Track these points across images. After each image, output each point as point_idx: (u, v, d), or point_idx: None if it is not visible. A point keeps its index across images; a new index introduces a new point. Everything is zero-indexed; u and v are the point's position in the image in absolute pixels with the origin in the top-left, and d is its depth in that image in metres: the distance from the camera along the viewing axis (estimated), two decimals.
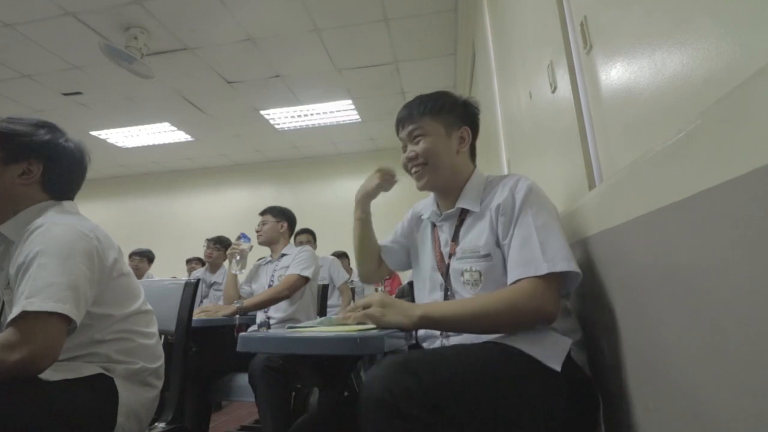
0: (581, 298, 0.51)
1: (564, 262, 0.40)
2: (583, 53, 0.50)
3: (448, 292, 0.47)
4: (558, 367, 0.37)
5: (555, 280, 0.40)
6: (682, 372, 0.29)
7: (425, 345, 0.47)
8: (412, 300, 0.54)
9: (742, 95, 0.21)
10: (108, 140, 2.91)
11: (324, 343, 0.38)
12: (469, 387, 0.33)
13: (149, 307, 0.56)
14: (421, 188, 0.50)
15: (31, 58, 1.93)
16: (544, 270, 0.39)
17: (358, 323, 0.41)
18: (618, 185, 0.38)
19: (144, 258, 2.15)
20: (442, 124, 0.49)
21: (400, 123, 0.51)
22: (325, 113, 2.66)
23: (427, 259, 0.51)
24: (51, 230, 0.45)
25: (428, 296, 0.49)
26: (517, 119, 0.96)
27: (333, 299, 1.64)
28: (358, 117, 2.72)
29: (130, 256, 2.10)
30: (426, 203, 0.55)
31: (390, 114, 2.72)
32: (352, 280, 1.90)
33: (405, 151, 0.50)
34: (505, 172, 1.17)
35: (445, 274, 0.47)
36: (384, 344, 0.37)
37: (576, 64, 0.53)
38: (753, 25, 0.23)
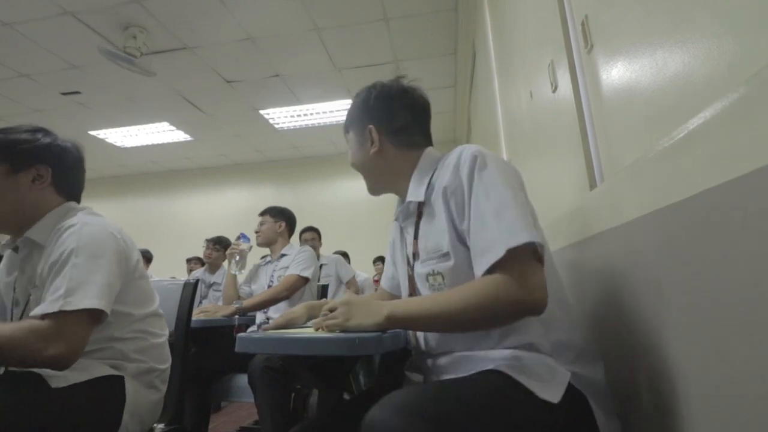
0: (581, 298, 0.50)
1: (522, 233, 0.33)
2: (584, 53, 0.50)
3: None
4: (555, 399, 0.32)
5: (527, 256, 0.33)
6: (682, 372, 0.29)
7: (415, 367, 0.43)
8: None
9: (744, 95, 0.21)
10: (107, 140, 2.90)
11: (322, 343, 0.38)
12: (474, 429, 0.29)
13: (161, 311, 0.58)
14: (371, 194, 0.49)
15: (30, 57, 1.92)
16: (502, 251, 0.33)
17: (330, 331, 0.38)
18: (619, 185, 0.38)
19: (143, 258, 2.13)
20: (353, 132, 0.48)
21: None
22: (324, 113, 2.65)
23: (400, 264, 0.48)
24: (83, 230, 0.47)
25: None
26: (517, 119, 0.96)
27: (340, 295, 1.65)
28: None
29: None
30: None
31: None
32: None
33: None
34: None
35: (411, 278, 0.43)
36: (382, 345, 0.37)
37: (577, 63, 0.53)
38: (754, 25, 0.23)
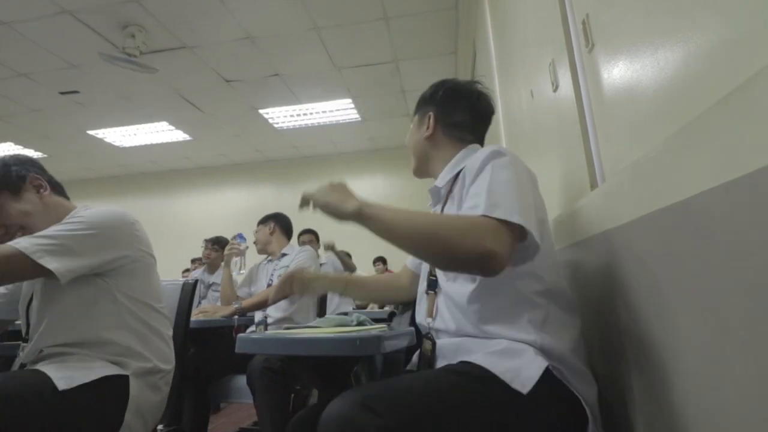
0: (582, 298, 0.50)
1: (509, 211, 0.34)
2: (584, 52, 0.50)
3: (431, 277, 0.44)
4: (524, 390, 0.32)
5: (505, 227, 0.34)
6: (684, 372, 0.29)
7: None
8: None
9: (745, 94, 0.21)
10: (105, 139, 2.90)
11: (322, 344, 0.38)
12: (435, 426, 0.30)
13: (167, 312, 0.59)
14: (415, 175, 0.53)
15: (28, 56, 1.92)
16: (480, 211, 0.34)
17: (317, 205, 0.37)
18: (620, 185, 0.38)
19: None
20: (418, 116, 0.53)
21: None
22: (324, 112, 2.65)
23: None
24: (100, 209, 0.52)
25: (421, 287, 0.48)
26: (518, 118, 0.96)
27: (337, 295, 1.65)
28: (357, 116, 2.71)
29: None
30: None
31: (390, 113, 2.71)
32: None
33: None
34: None
35: None
36: (383, 345, 0.37)
37: (578, 62, 0.53)
38: (755, 24, 0.23)
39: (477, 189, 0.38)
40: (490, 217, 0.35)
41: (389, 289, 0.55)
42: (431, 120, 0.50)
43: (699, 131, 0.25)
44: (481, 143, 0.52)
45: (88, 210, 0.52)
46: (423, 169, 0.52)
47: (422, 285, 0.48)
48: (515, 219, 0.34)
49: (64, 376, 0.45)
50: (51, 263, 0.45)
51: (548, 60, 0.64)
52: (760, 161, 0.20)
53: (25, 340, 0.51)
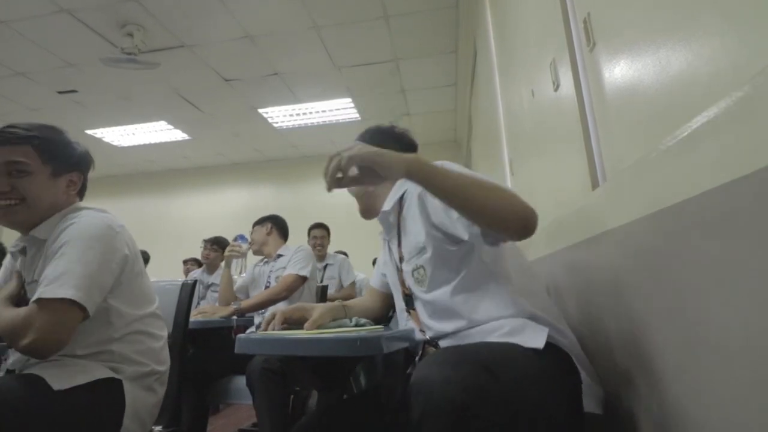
0: (583, 298, 0.50)
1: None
2: (586, 51, 0.50)
3: (406, 296, 0.47)
4: (540, 345, 0.37)
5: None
6: (686, 372, 0.29)
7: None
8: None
9: (748, 94, 0.21)
10: (104, 139, 2.88)
11: (322, 344, 0.38)
12: (533, 390, 0.32)
13: (160, 312, 0.58)
14: (364, 218, 0.54)
15: (26, 55, 1.90)
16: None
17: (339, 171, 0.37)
18: (621, 185, 0.38)
19: None
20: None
21: None
22: (324, 112, 2.64)
23: (390, 274, 0.52)
24: (80, 222, 0.49)
25: (398, 300, 0.49)
26: (519, 118, 0.96)
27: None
28: (357, 115, 2.70)
29: None
30: None
31: (390, 112, 2.70)
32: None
33: None
34: (507, 171, 1.16)
35: (402, 280, 0.48)
36: (383, 345, 0.37)
37: (579, 61, 0.53)
38: (758, 23, 0.23)
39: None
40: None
41: (365, 312, 0.56)
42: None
43: (700, 131, 0.25)
44: None
45: (71, 228, 0.47)
46: (371, 210, 0.53)
47: (399, 304, 0.50)
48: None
49: (60, 377, 0.44)
50: (91, 304, 0.45)
51: (549, 59, 0.63)
52: (762, 161, 0.20)
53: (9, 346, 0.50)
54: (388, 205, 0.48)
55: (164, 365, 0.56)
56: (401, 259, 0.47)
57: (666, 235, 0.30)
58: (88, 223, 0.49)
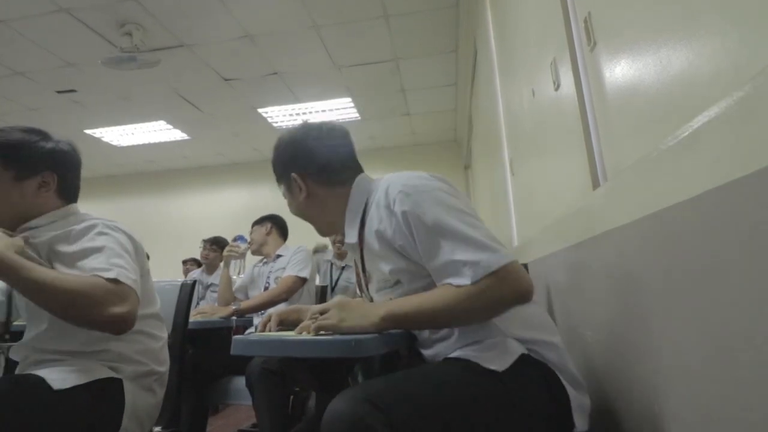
0: (584, 299, 0.50)
1: (495, 255, 0.36)
2: (586, 50, 0.50)
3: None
4: (500, 368, 0.36)
5: (509, 267, 0.36)
6: (687, 373, 0.28)
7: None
8: None
9: (749, 93, 0.21)
10: (103, 139, 2.88)
11: (319, 345, 0.38)
12: (435, 418, 0.32)
13: (161, 313, 0.58)
14: (322, 235, 0.52)
15: (25, 55, 1.90)
16: (468, 277, 0.35)
17: (317, 333, 0.38)
18: (622, 185, 0.38)
19: None
20: (284, 186, 0.50)
21: None
22: (324, 111, 2.64)
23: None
24: (104, 222, 0.50)
25: None
26: (519, 118, 0.95)
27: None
28: (357, 115, 2.70)
29: None
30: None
31: (390, 112, 2.70)
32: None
33: None
34: (507, 171, 1.15)
35: (371, 300, 0.46)
36: (380, 346, 0.36)
37: (579, 61, 0.53)
38: (759, 22, 0.23)
39: (434, 249, 0.38)
40: (483, 276, 0.35)
41: None
42: (298, 180, 0.47)
43: (701, 130, 0.25)
44: (360, 170, 0.49)
45: (100, 232, 0.48)
46: (325, 228, 0.50)
47: None
48: (507, 259, 0.36)
49: (59, 377, 0.44)
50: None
51: (550, 59, 0.63)
52: (763, 160, 0.19)
53: (4, 339, 0.50)
54: (349, 236, 0.45)
55: (164, 366, 0.56)
56: (368, 285, 0.46)
57: (667, 236, 0.29)
58: (109, 224, 0.50)
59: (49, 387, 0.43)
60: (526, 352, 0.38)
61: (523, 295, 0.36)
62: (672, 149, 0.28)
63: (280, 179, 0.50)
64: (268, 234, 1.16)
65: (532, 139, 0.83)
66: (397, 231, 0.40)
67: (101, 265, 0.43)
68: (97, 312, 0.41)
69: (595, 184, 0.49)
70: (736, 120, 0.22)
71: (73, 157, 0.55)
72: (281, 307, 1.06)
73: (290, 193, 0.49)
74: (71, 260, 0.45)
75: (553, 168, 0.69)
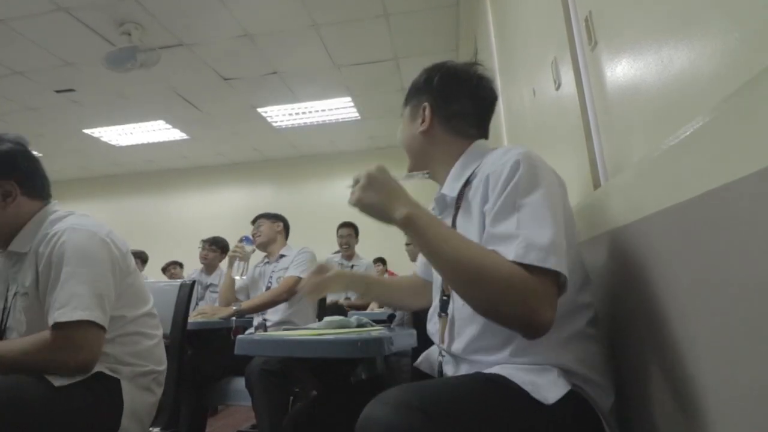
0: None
1: (550, 258, 0.30)
2: (587, 49, 0.50)
3: (444, 297, 0.40)
4: (546, 402, 0.31)
5: (548, 278, 0.30)
6: (689, 372, 0.28)
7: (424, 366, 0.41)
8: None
9: (751, 92, 0.21)
10: (101, 138, 2.87)
11: (323, 345, 0.38)
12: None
13: (155, 311, 0.57)
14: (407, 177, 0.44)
15: (23, 54, 1.89)
16: (513, 251, 0.30)
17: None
18: (624, 184, 0.37)
19: (138, 259, 2.12)
20: (410, 107, 0.45)
21: None
22: (323, 111, 2.62)
23: None
24: (73, 238, 0.47)
25: (435, 296, 0.43)
26: (520, 117, 0.95)
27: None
28: (357, 115, 2.69)
29: None
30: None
31: (390, 111, 2.69)
32: None
33: None
34: None
35: None
36: (384, 347, 0.36)
37: (580, 60, 0.52)
38: (761, 21, 0.23)
39: (507, 214, 0.32)
40: (530, 268, 0.29)
41: (412, 295, 0.49)
42: (427, 111, 0.42)
43: (704, 129, 0.25)
44: (486, 136, 0.45)
45: (62, 245, 0.45)
46: (418, 170, 0.44)
47: (435, 300, 0.43)
48: (559, 268, 0.30)
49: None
50: (105, 321, 0.45)
51: (550, 58, 0.63)
52: (764, 160, 0.19)
53: None
54: (450, 189, 0.40)
55: (161, 365, 0.55)
56: None
57: (669, 235, 0.29)
58: (78, 240, 0.47)
59: (49, 384, 0.43)
60: (571, 387, 0.32)
61: (533, 322, 0.29)
62: (673, 149, 0.28)
63: (409, 99, 0.45)
64: (279, 232, 1.15)
65: (533, 138, 0.83)
66: (493, 190, 0.34)
67: (51, 316, 0.43)
68: (54, 368, 0.43)
69: (596, 184, 0.49)
70: (738, 119, 0.22)
71: (23, 153, 0.51)
72: (284, 307, 1.03)
73: (410, 118, 0.44)
74: (47, 290, 0.45)
75: (554, 167, 0.69)
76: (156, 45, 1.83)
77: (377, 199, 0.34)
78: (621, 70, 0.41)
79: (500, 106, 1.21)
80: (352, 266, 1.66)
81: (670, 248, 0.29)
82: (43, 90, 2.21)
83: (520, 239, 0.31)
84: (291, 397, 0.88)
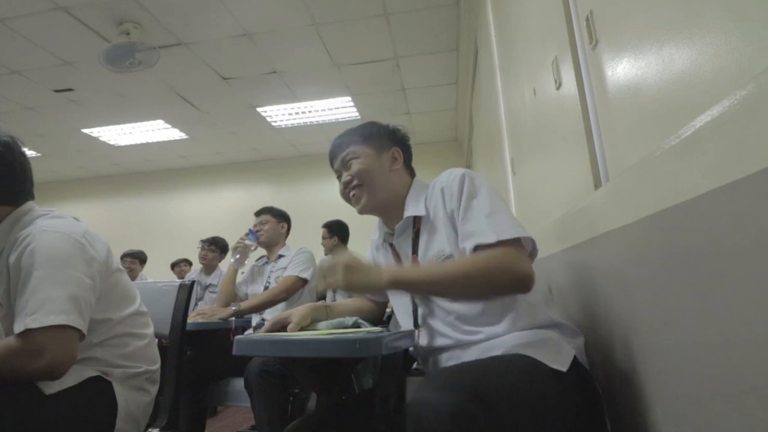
0: (586, 299, 0.50)
1: (511, 230, 0.40)
2: (588, 49, 0.49)
3: (416, 310, 0.46)
4: (564, 368, 0.37)
5: (516, 246, 0.40)
6: (689, 374, 0.28)
7: (430, 361, 0.46)
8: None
9: (752, 92, 0.20)
10: (100, 138, 2.86)
11: (322, 345, 0.38)
12: (528, 415, 0.32)
13: (145, 308, 0.56)
14: (361, 210, 0.51)
15: (21, 53, 1.88)
16: (493, 239, 0.39)
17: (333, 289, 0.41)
18: (625, 184, 0.37)
19: (136, 259, 2.13)
20: (372, 147, 0.52)
21: (332, 155, 0.54)
22: (323, 110, 2.63)
23: None
24: (42, 240, 0.45)
25: (405, 317, 0.49)
26: (520, 117, 0.95)
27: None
28: (357, 114, 2.70)
29: (122, 257, 2.08)
30: (377, 232, 0.55)
31: (390, 111, 2.70)
32: None
33: (341, 181, 0.52)
34: (509, 171, 1.16)
35: None
36: (383, 347, 0.36)
37: (581, 59, 0.52)
38: (763, 20, 0.22)
39: (470, 213, 0.42)
40: (506, 242, 0.39)
41: (360, 312, 0.55)
42: (400, 155, 0.53)
43: (706, 129, 0.24)
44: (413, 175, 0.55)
45: (31, 248, 0.43)
46: (382, 203, 0.51)
47: (406, 322, 0.48)
48: (523, 234, 0.40)
49: (50, 382, 0.44)
50: (82, 324, 0.43)
51: (551, 57, 0.63)
52: (767, 160, 0.19)
53: None
54: (414, 210, 0.48)
55: (154, 364, 0.54)
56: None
57: (670, 236, 0.29)
58: (48, 242, 0.45)
59: (40, 392, 0.43)
60: (574, 351, 0.39)
61: (526, 279, 0.38)
62: (675, 148, 0.28)
63: (371, 139, 0.52)
64: (282, 233, 1.14)
65: (534, 138, 0.83)
66: (452, 197, 0.44)
67: (18, 323, 0.41)
68: (22, 373, 0.42)
69: (597, 184, 0.49)
70: (739, 119, 0.21)
71: (2, 156, 0.48)
72: (280, 309, 1.05)
73: (378, 158, 0.51)
74: (17, 294, 0.43)
75: (554, 167, 0.69)
76: (155, 44, 1.82)
77: (361, 278, 0.40)
78: (622, 69, 0.41)
79: (500, 106, 1.20)
80: None
81: (672, 249, 0.29)
82: (42, 89, 2.21)
83: (489, 225, 0.40)
84: (291, 398, 0.88)
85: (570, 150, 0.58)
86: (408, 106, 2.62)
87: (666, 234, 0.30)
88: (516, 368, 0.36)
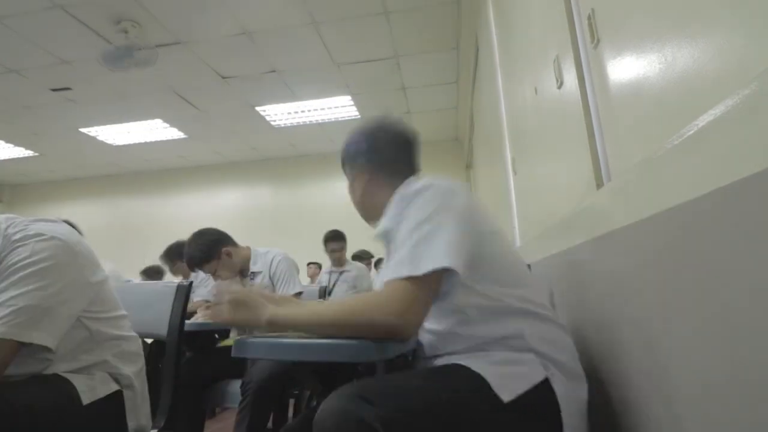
0: (587, 299, 0.50)
1: (429, 261, 0.36)
2: (590, 47, 0.49)
3: None
4: (506, 398, 0.34)
5: (420, 282, 0.36)
6: (692, 374, 0.28)
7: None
8: None
9: (755, 91, 0.20)
10: (98, 137, 2.85)
11: (320, 349, 0.37)
12: (424, 420, 0.32)
13: (125, 312, 0.56)
14: (368, 222, 0.53)
15: (19, 52, 1.87)
16: (404, 273, 0.36)
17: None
18: (627, 184, 0.37)
19: (157, 275, 2.10)
20: (347, 176, 0.54)
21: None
22: (323, 110, 2.62)
23: None
24: (34, 247, 0.45)
25: None
26: (521, 116, 0.95)
27: None
28: (357, 113, 2.69)
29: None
30: None
31: (390, 110, 2.69)
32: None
33: None
34: (510, 170, 1.15)
35: None
36: (383, 352, 0.36)
37: (583, 58, 0.52)
38: (766, 19, 0.22)
39: (398, 243, 0.40)
40: (405, 280, 0.36)
41: None
42: (363, 168, 0.51)
43: (708, 128, 0.24)
44: (414, 169, 0.52)
45: (28, 245, 0.43)
46: (372, 215, 0.51)
47: None
48: (439, 264, 0.36)
49: (88, 387, 0.45)
50: (39, 337, 0.41)
51: (553, 56, 0.62)
52: None
53: None
54: (381, 224, 0.46)
55: (140, 363, 0.55)
56: None
57: (672, 235, 0.29)
58: (42, 249, 0.44)
59: (80, 402, 0.43)
60: (545, 377, 0.36)
61: (391, 333, 0.36)
62: (677, 148, 0.27)
63: (347, 172, 0.54)
64: (234, 259, 0.97)
65: (535, 137, 0.82)
66: (391, 216, 0.43)
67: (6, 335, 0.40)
68: None
69: (599, 184, 0.49)
70: (742, 118, 0.21)
71: None
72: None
73: (352, 187, 0.53)
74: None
75: (556, 167, 0.69)
76: (153, 43, 1.81)
77: (245, 315, 0.41)
78: (624, 68, 0.41)
79: (501, 105, 1.20)
80: (342, 272, 1.68)
81: (675, 248, 0.29)
82: (39, 88, 2.19)
83: (395, 262, 0.38)
84: (291, 399, 0.87)
85: (571, 149, 0.58)
86: (408, 105, 2.62)
87: (669, 234, 0.29)
88: (440, 376, 0.36)
